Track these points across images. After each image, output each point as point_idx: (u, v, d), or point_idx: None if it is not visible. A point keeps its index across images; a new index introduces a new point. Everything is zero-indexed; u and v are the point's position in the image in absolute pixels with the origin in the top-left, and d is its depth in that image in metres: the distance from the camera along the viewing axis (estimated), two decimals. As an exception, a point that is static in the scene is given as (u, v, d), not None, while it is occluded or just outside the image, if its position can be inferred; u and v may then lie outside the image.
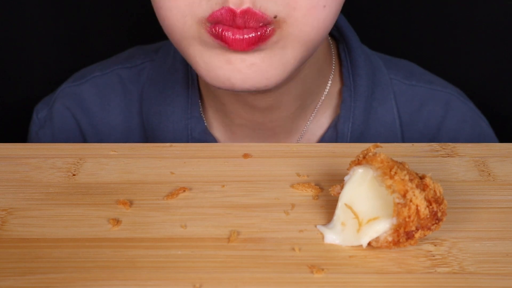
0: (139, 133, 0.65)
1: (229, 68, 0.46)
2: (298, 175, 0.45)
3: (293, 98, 0.57)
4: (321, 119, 0.61)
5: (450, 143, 0.49)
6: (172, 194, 0.42)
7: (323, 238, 0.39)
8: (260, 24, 0.44)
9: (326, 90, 0.61)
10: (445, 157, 0.47)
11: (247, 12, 0.43)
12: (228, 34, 0.44)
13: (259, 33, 0.44)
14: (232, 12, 0.43)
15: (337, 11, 0.48)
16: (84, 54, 0.88)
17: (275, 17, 0.44)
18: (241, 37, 0.44)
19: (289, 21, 0.45)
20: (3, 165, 0.46)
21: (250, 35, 0.44)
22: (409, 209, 0.36)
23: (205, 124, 0.61)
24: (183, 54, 0.49)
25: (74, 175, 0.45)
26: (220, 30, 0.44)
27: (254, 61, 0.46)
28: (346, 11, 0.52)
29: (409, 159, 0.46)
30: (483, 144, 0.49)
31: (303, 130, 0.61)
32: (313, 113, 0.61)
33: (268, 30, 0.45)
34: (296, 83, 0.56)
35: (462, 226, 0.40)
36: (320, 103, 0.61)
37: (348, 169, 0.39)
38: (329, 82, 0.61)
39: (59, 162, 0.46)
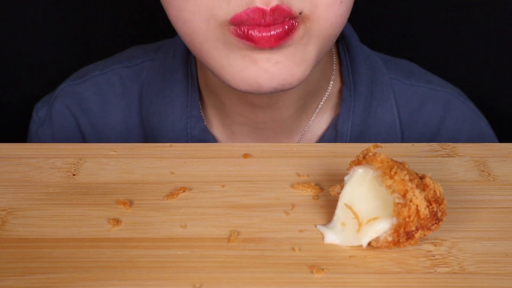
0: (139, 132, 0.65)
1: (255, 69, 0.46)
2: (298, 175, 0.45)
3: (296, 98, 0.57)
4: (322, 118, 0.61)
5: (450, 143, 0.49)
6: (172, 194, 0.42)
7: (323, 238, 0.39)
8: (286, 19, 0.44)
9: (328, 90, 0.61)
10: (445, 157, 0.47)
11: (276, 9, 0.44)
12: (255, 33, 0.44)
13: (286, 27, 0.44)
14: (261, 11, 0.43)
15: (351, 6, 0.49)
16: (84, 54, 0.88)
17: (300, 13, 0.44)
18: (268, 34, 0.44)
19: (312, 17, 0.45)
20: (3, 165, 0.46)
21: (277, 31, 0.44)
22: (409, 209, 0.36)
23: (205, 123, 0.61)
24: (204, 57, 0.49)
25: (74, 175, 0.45)
26: (246, 30, 0.44)
27: (279, 59, 0.46)
28: (346, 11, 0.53)
29: (409, 159, 0.46)
30: (483, 144, 0.49)
31: (304, 130, 0.61)
32: (314, 113, 0.61)
33: (295, 23, 0.45)
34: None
35: (462, 226, 0.40)
36: (322, 103, 0.61)
37: (348, 169, 0.39)
38: (331, 82, 0.61)
39: (59, 162, 0.46)
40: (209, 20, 0.45)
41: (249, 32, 0.44)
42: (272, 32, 0.44)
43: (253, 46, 0.45)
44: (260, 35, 0.44)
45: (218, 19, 0.45)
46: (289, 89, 0.48)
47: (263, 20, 0.44)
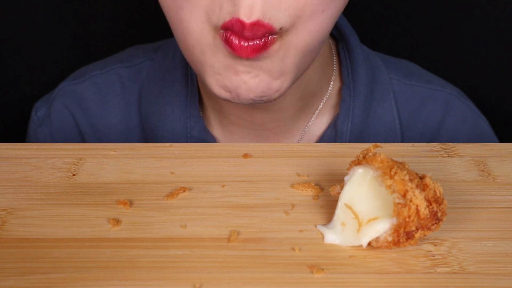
0: (138, 132, 0.65)
1: (236, 80, 0.47)
2: (298, 175, 0.45)
3: (296, 99, 0.57)
4: (321, 118, 0.61)
5: (450, 143, 0.49)
6: (172, 194, 0.42)
7: (323, 238, 0.39)
8: (266, 34, 0.45)
9: (329, 91, 0.61)
10: (445, 157, 0.47)
11: (256, 24, 0.44)
12: (235, 40, 0.45)
13: (263, 40, 0.45)
14: (241, 23, 0.44)
15: (336, 14, 0.48)
16: (84, 54, 0.88)
17: (280, 29, 0.45)
18: (246, 44, 0.45)
19: (291, 30, 0.46)
20: (3, 165, 0.46)
21: (255, 42, 0.45)
22: (409, 209, 0.36)
23: (204, 123, 0.61)
24: (193, 60, 0.49)
25: (74, 175, 0.45)
26: (228, 35, 0.45)
27: (257, 73, 0.47)
28: (346, 11, 0.52)
29: (409, 159, 0.46)
30: (483, 144, 0.49)
31: (304, 130, 0.61)
32: (314, 113, 0.61)
33: (270, 37, 0.45)
34: (299, 85, 0.56)
35: (462, 226, 0.40)
36: (322, 104, 0.61)
37: (348, 169, 0.39)
38: (331, 82, 0.61)
39: (59, 162, 0.46)
40: (204, 23, 0.46)
41: (231, 38, 0.45)
42: (250, 43, 0.45)
43: (232, 53, 0.45)
44: (239, 44, 0.45)
45: (211, 24, 0.45)
46: (268, 101, 0.49)
47: (242, 33, 0.44)
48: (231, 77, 0.47)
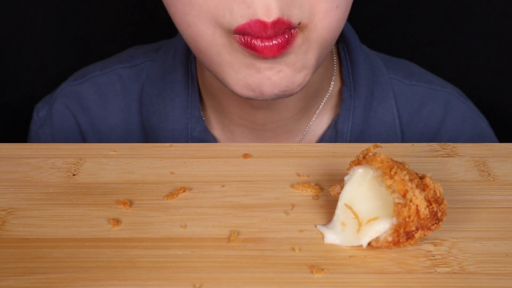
0: (139, 132, 0.65)
1: (258, 77, 0.47)
2: (298, 175, 0.45)
3: (297, 99, 0.57)
4: (322, 118, 0.61)
5: (450, 143, 0.49)
6: (172, 194, 0.42)
7: (323, 238, 0.39)
8: (287, 30, 0.45)
9: (329, 91, 0.61)
10: (445, 157, 0.47)
11: (277, 22, 0.44)
12: (258, 42, 0.45)
13: (286, 36, 0.45)
14: (263, 24, 0.44)
15: (348, 10, 0.49)
16: (84, 54, 0.88)
17: (299, 23, 0.45)
18: (270, 43, 0.45)
19: (310, 26, 0.46)
20: (3, 165, 0.46)
21: (279, 40, 0.45)
22: (409, 209, 0.36)
23: (205, 123, 0.61)
24: (208, 62, 0.49)
25: (74, 175, 0.45)
26: (249, 39, 0.45)
27: (281, 68, 0.47)
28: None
29: (409, 159, 0.46)
30: (483, 144, 0.49)
31: (304, 131, 0.61)
32: (315, 114, 0.61)
33: (293, 31, 0.45)
34: None
35: (462, 226, 0.40)
36: (322, 104, 0.61)
37: (348, 169, 0.39)
38: (332, 83, 0.61)
39: (59, 162, 0.46)
40: (215, 26, 0.46)
41: (252, 42, 0.45)
42: (274, 42, 0.45)
43: (256, 55, 0.45)
44: (262, 44, 0.45)
45: (223, 28, 0.45)
46: (291, 94, 0.49)
47: (264, 33, 0.44)
48: (253, 75, 0.47)
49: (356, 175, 0.39)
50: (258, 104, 0.56)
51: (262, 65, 0.47)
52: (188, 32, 0.48)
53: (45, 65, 0.89)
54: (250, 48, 0.45)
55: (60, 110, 0.66)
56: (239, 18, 0.44)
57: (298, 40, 0.46)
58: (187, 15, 0.46)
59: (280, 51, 0.45)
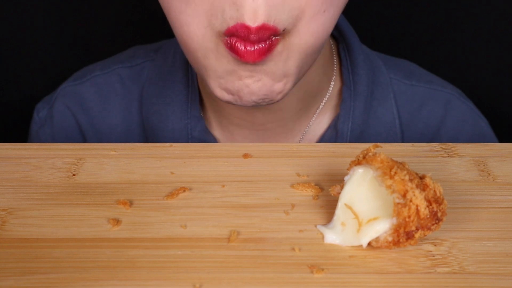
0: (139, 132, 0.65)
1: (238, 84, 0.47)
2: (298, 175, 0.45)
3: (297, 100, 0.57)
4: (322, 119, 0.61)
5: (450, 143, 0.49)
6: (172, 194, 0.42)
7: (323, 238, 0.39)
8: (271, 36, 0.45)
9: (329, 91, 0.61)
10: (445, 157, 0.47)
11: (262, 28, 0.44)
12: (240, 46, 0.45)
13: (267, 42, 0.45)
14: (247, 28, 0.44)
15: (337, 15, 0.48)
16: (84, 54, 0.88)
17: (283, 30, 0.45)
18: (252, 48, 0.45)
19: (293, 31, 0.46)
20: (3, 165, 0.46)
21: (261, 45, 0.45)
22: (409, 209, 0.36)
23: (205, 123, 0.61)
24: (195, 62, 0.49)
25: (74, 175, 0.45)
26: (233, 42, 0.45)
27: (260, 77, 0.47)
28: (346, 11, 0.52)
29: (409, 159, 0.46)
30: (483, 144, 0.49)
31: (304, 131, 0.61)
32: (315, 114, 0.61)
33: (273, 39, 0.45)
34: (300, 86, 0.56)
35: (462, 226, 0.40)
36: (322, 104, 0.61)
37: (348, 169, 0.39)
38: (332, 83, 0.61)
39: (59, 162, 0.46)
40: (206, 28, 0.46)
41: (236, 44, 0.45)
42: (256, 47, 0.45)
43: (238, 59, 0.45)
44: (245, 49, 0.45)
45: (214, 29, 0.45)
46: (272, 102, 0.49)
47: (248, 38, 0.44)
48: (234, 82, 0.47)
49: (356, 175, 0.39)
50: (258, 106, 0.56)
51: (243, 73, 0.47)
52: (180, 31, 0.48)
53: (45, 65, 0.90)
54: (233, 51, 0.45)
55: (60, 110, 0.66)
56: (229, 20, 0.44)
57: (278, 47, 0.46)
58: (182, 13, 0.46)
59: (261, 57, 0.45)
